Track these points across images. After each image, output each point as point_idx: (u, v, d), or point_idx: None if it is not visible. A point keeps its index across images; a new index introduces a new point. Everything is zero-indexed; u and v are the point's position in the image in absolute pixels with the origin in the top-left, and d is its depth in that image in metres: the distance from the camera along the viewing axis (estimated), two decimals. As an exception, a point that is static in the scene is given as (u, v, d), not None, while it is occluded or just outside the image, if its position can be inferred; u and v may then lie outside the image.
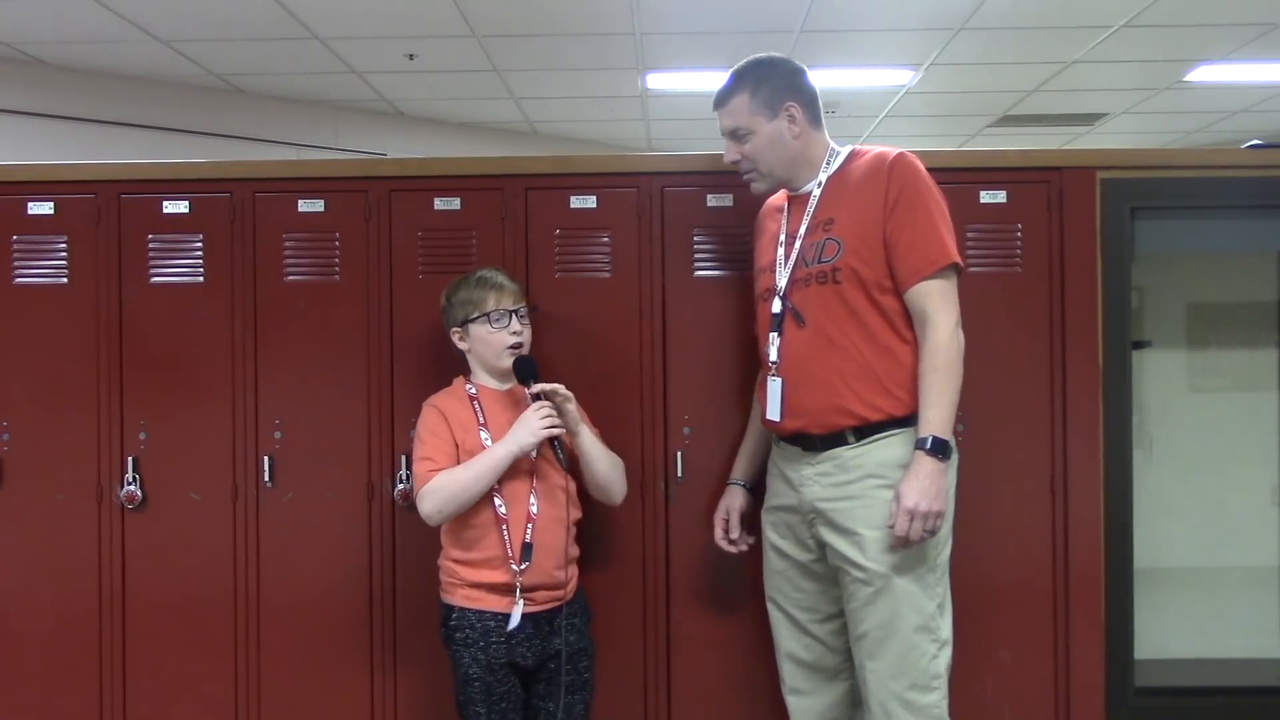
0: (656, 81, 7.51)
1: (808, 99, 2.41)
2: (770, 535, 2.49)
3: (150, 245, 2.76)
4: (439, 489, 2.35)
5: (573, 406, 2.44)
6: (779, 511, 2.46)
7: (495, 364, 2.47)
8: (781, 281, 2.38)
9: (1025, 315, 2.69)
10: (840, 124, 8.91)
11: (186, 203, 2.76)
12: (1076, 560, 2.68)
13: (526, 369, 2.44)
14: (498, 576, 2.39)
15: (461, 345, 2.50)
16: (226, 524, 2.75)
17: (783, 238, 2.42)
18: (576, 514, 2.50)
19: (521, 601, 2.37)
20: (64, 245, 2.77)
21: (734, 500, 2.59)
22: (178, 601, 2.75)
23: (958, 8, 5.95)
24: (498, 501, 2.39)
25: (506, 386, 2.50)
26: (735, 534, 2.57)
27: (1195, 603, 3.02)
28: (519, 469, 2.41)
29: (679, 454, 2.72)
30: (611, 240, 2.74)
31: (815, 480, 2.34)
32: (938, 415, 2.22)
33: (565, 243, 2.75)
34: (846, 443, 2.31)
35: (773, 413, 2.38)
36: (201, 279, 2.76)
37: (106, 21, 5.88)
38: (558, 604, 2.43)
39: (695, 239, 2.73)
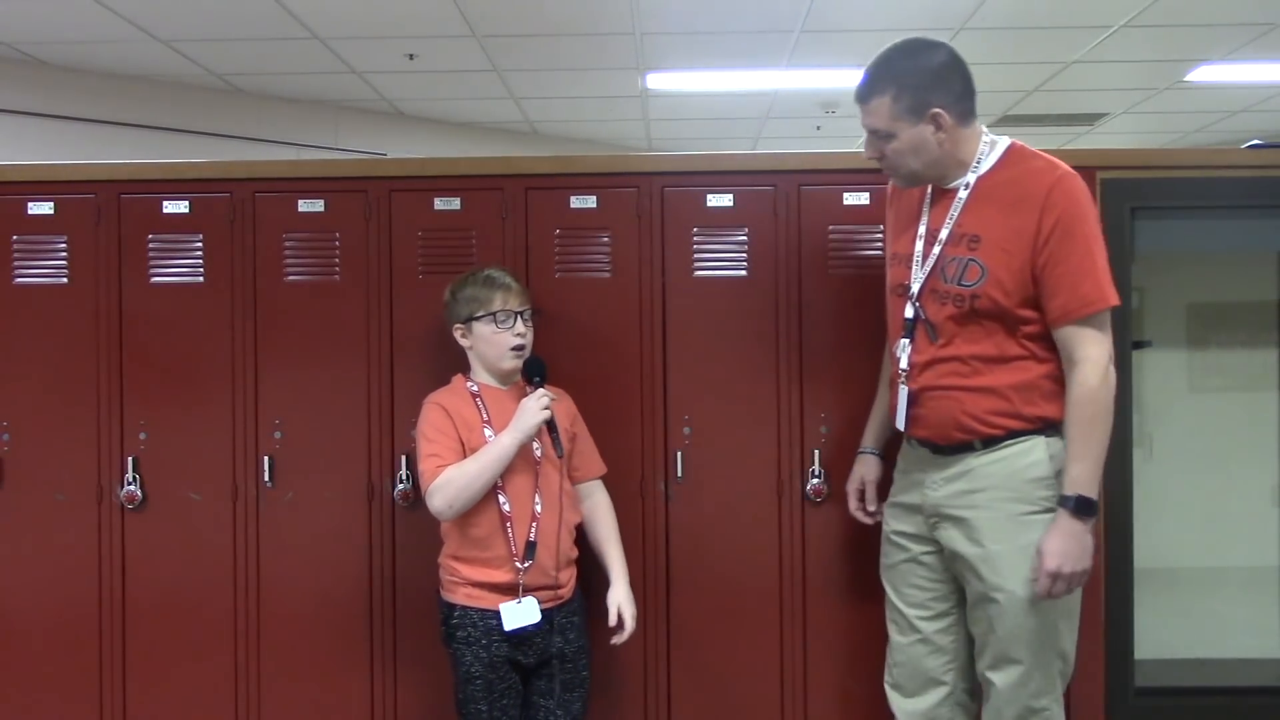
0: (656, 81, 7.51)
1: (957, 96, 2.21)
2: (890, 528, 2.42)
3: (150, 245, 2.76)
4: (448, 483, 2.35)
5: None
6: (902, 508, 2.40)
7: (497, 364, 2.47)
8: (915, 285, 2.28)
9: (1025, 315, 2.69)
10: (840, 124, 8.92)
11: (186, 203, 2.76)
12: (1076, 560, 2.68)
13: (534, 368, 2.45)
14: (500, 575, 2.39)
15: (463, 342, 2.50)
16: (226, 524, 2.75)
17: (922, 231, 2.30)
18: (576, 517, 2.52)
19: (522, 601, 2.38)
20: (64, 245, 2.77)
21: (869, 470, 2.52)
22: (178, 601, 2.75)
23: (958, 8, 5.95)
24: (502, 499, 2.40)
25: (507, 386, 2.50)
26: (873, 506, 2.51)
27: (1195, 603, 3.01)
28: (523, 468, 2.42)
29: (679, 454, 2.72)
30: (611, 240, 2.74)
31: (942, 484, 2.28)
32: (1083, 471, 2.12)
33: (565, 243, 2.75)
34: (973, 449, 2.24)
35: (900, 423, 2.32)
36: (201, 279, 2.76)
37: (106, 21, 5.88)
38: (556, 603, 2.44)
39: (695, 239, 2.73)
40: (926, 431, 2.30)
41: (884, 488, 2.51)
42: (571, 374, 2.63)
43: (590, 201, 2.74)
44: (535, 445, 2.44)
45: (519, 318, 2.46)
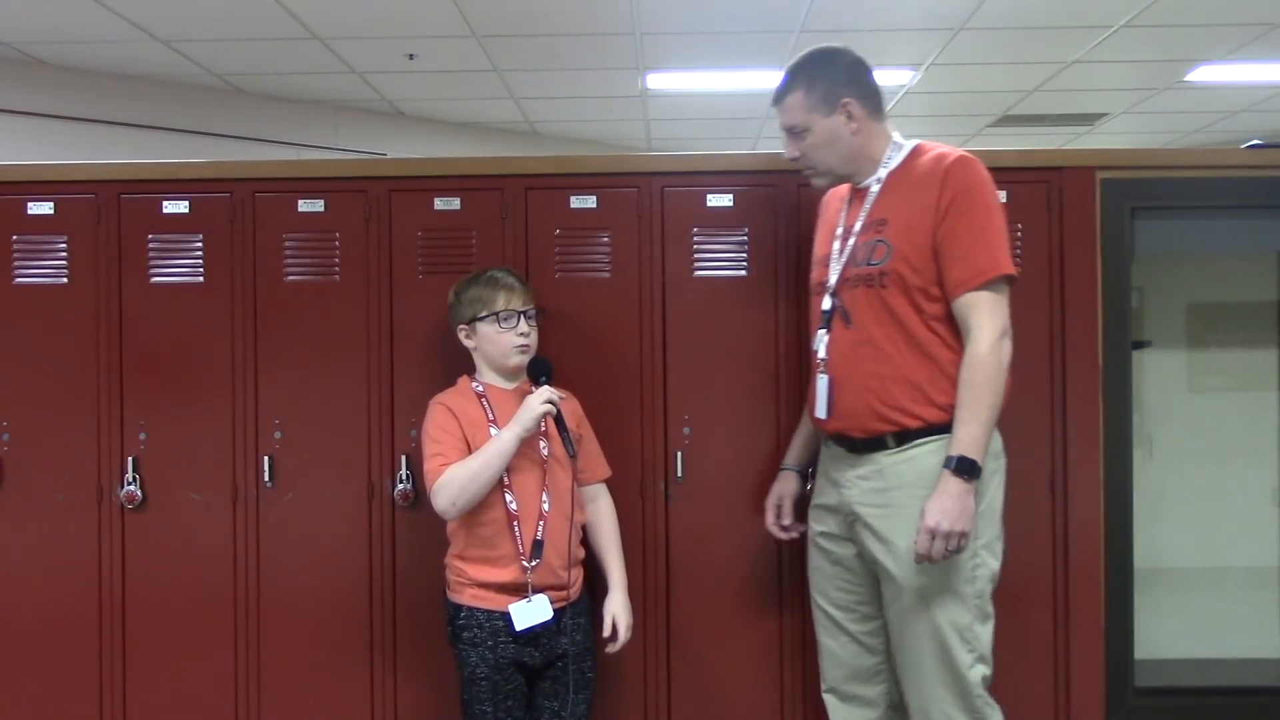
0: (656, 81, 7.51)
1: (866, 92, 2.35)
2: (814, 531, 2.47)
3: (150, 245, 2.76)
4: (451, 481, 2.35)
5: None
6: (823, 509, 2.44)
7: (502, 363, 2.47)
8: (833, 278, 2.35)
9: (1025, 315, 2.68)
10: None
11: (186, 203, 2.76)
12: (1076, 560, 2.68)
13: (540, 369, 2.46)
14: (506, 575, 2.39)
15: (468, 343, 2.50)
16: (226, 524, 2.75)
17: (839, 231, 2.39)
18: (582, 517, 2.52)
19: (532, 599, 2.37)
20: (64, 245, 2.77)
21: (786, 486, 2.57)
22: (178, 601, 2.75)
23: (958, 8, 5.95)
24: (509, 498, 2.40)
25: (513, 385, 2.50)
26: (787, 520, 2.55)
27: (1195, 603, 3.02)
28: (530, 467, 2.42)
29: (679, 454, 2.72)
30: (611, 240, 2.74)
31: (855, 483, 2.33)
32: (967, 434, 2.18)
33: (565, 243, 2.75)
34: (886, 446, 2.28)
35: (820, 410, 2.36)
36: (201, 279, 2.76)
37: (106, 21, 5.88)
38: (564, 603, 2.43)
39: (695, 239, 2.73)
40: (843, 423, 2.33)
41: (802, 507, 2.55)
42: (571, 374, 2.63)
43: (590, 201, 2.74)
44: (542, 444, 2.44)
45: (522, 317, 2.46)
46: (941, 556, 2.17)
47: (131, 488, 2.73)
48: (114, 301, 2.76)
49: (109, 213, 2.77)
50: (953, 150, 2.31)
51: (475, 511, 2.38)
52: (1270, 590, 2.99)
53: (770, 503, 2.57)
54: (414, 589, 2.72)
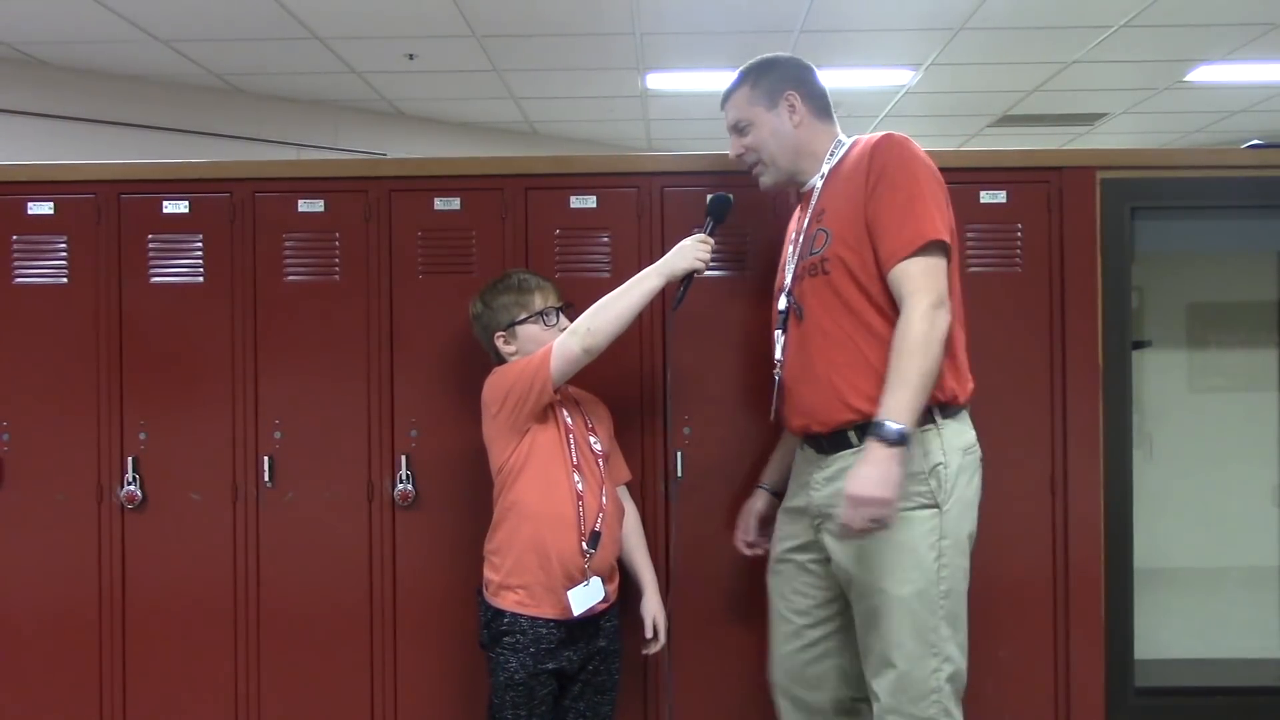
0: (656, 81, 7.51)
1: (810, 91, 2.39)
2: (779, 532, 2.47)
3: (150, 245, 2.76)
4: (584, 318, 2.33)
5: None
6: (791, 512, 2.44)
7: None
8: (788, 278, 2.37)
9: (1025, 315, 2.69)
10: (840, 124, 8.92)
11: (186, 203, 2.77)
12: (1076, 560, 2.68)
13: (721, 206, 2.48)
14: (557, 570, 2.35)
15: (507, 349, 2.47)
16: (226, 524, 2.75)
17: (793, 234, 2.42)
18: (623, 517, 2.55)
19: (589, 582, 2.35)
20: (64, 245, 2.77)
21: (755, 503, 2.59)
22: (178, 601, 2.75)
23: (958, 8, 5.95)
24: (576, 478, 2.39)
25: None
26: (751, 537, 2.57)
27: (1195, 603, 3.02)
28: (589, 464, 2.42)
29: (679, 454, 2.72)
30: (611, 240, 2.74)
31: (823, 484, 2.30)
32: (894, 400, 2.08)
33: (565, 243, 2.75)
34: (851, 445, 2.24)
35: (774, 413, 2.37)
36: (201, 279, 2.76)
37: (106, 21, 5.88)
38: (606, 605, 2.43)
39: (695, 239, 2.73)
40: (805, 419, 2.31)
41: (768, 525, 2.54)
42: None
43: (590, 201, 2.75)
44: (595, 442, 2.46)
45: (560, 313, 2.47)
46: (863, 526, 2.08)
47: (131, 488, 2.73)
48: (114, 301, 2.76)
49: (109, 213, 2.77)
50: (882, 132, 2.30)
51: (540, 491, 2.35)
52: (1270, 590, 2.99)
53: (740, 521, 2.60)
54: (414, 589, 2.72)
